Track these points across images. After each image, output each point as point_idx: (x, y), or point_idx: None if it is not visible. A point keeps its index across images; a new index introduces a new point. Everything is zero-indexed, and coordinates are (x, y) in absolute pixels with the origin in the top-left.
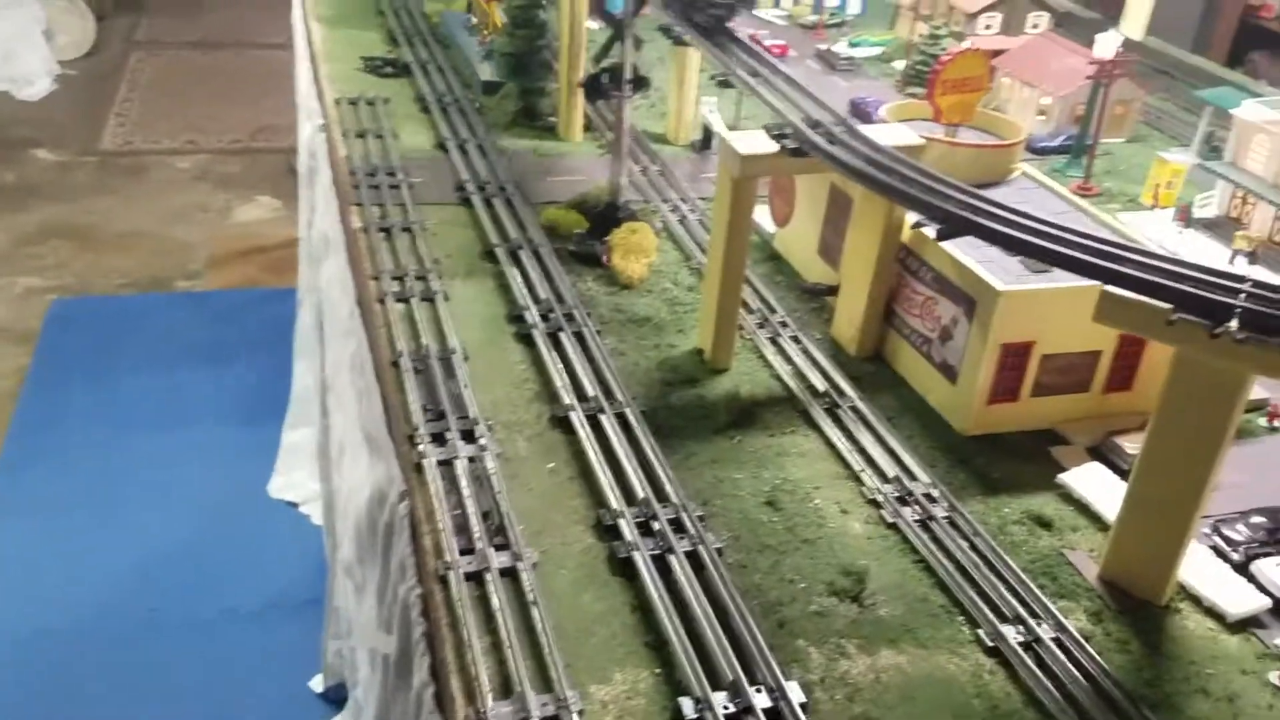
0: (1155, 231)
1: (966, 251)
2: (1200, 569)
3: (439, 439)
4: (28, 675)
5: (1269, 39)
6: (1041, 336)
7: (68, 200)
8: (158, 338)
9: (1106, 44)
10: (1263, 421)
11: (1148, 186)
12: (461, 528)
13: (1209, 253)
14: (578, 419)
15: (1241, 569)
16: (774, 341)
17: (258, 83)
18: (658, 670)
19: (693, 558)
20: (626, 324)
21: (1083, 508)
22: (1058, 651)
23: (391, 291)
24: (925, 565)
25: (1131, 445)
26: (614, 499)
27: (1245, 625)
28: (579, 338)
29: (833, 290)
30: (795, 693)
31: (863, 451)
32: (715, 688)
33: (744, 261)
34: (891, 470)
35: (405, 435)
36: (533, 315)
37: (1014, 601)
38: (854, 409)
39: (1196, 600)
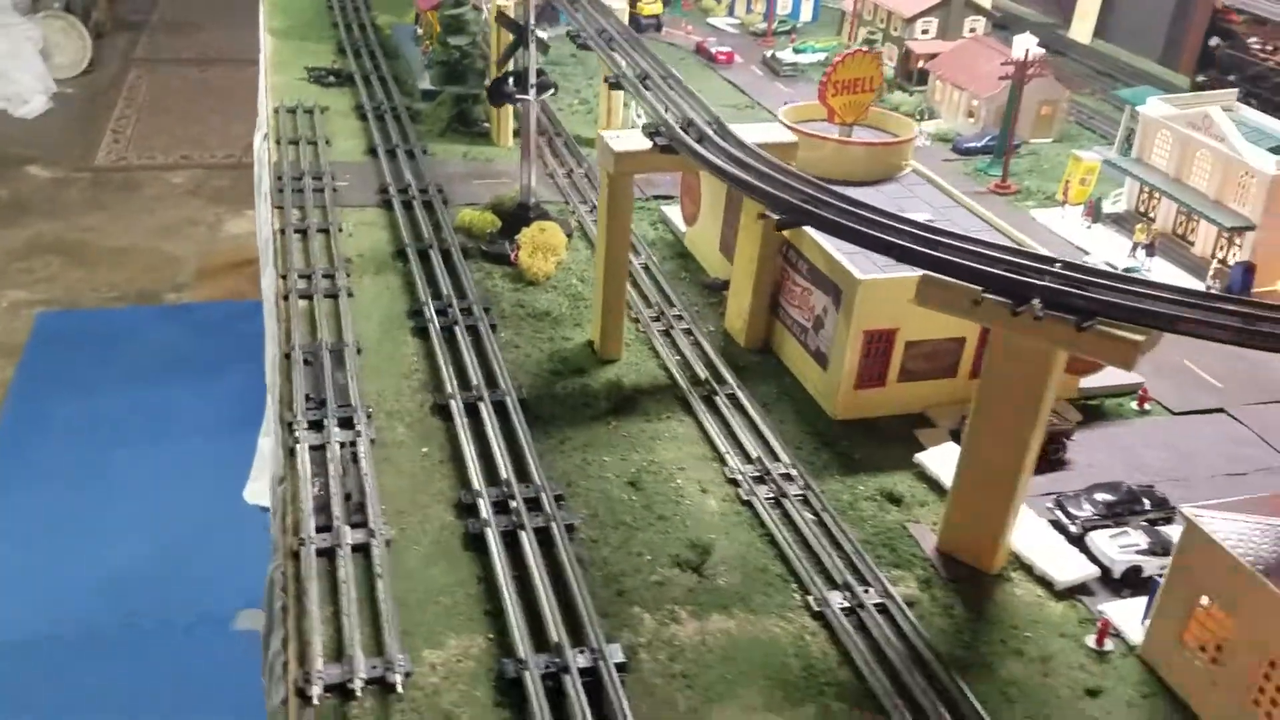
0: (1063, 227)
1: (838, 244)
2: (1035, 540)
3: (316, 426)
4: (10, 678)
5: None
6: (904, 324)
7: (60, 216)
8: (141, 350)
9: (1022, 46)
10: (1134, 405)
11: (1062, 184)
12: (322, 508)
13: (1113, 246)
14: (456, 407)
15: (1079, 541)
16: (667, 334)
17: (253, 98)
18: (491, 636)
19: (543, 534)
20: (526, 318)
21: (935, 485)
22: (878, 616)
23: (296, 289)
24: (770, 538)
25: None
26: (477, 480)
27: (1073, 593)
28: (473, 331)
29: (728, 285)
30: (615, 654)
31: (732, 435)
32: (541, 651)
33: (626, 255)
34: (756, 452)
35: (286, 423)
36: (430, 311)
37: (846, 571)
38: (731, 396)
39: (1029, 569)
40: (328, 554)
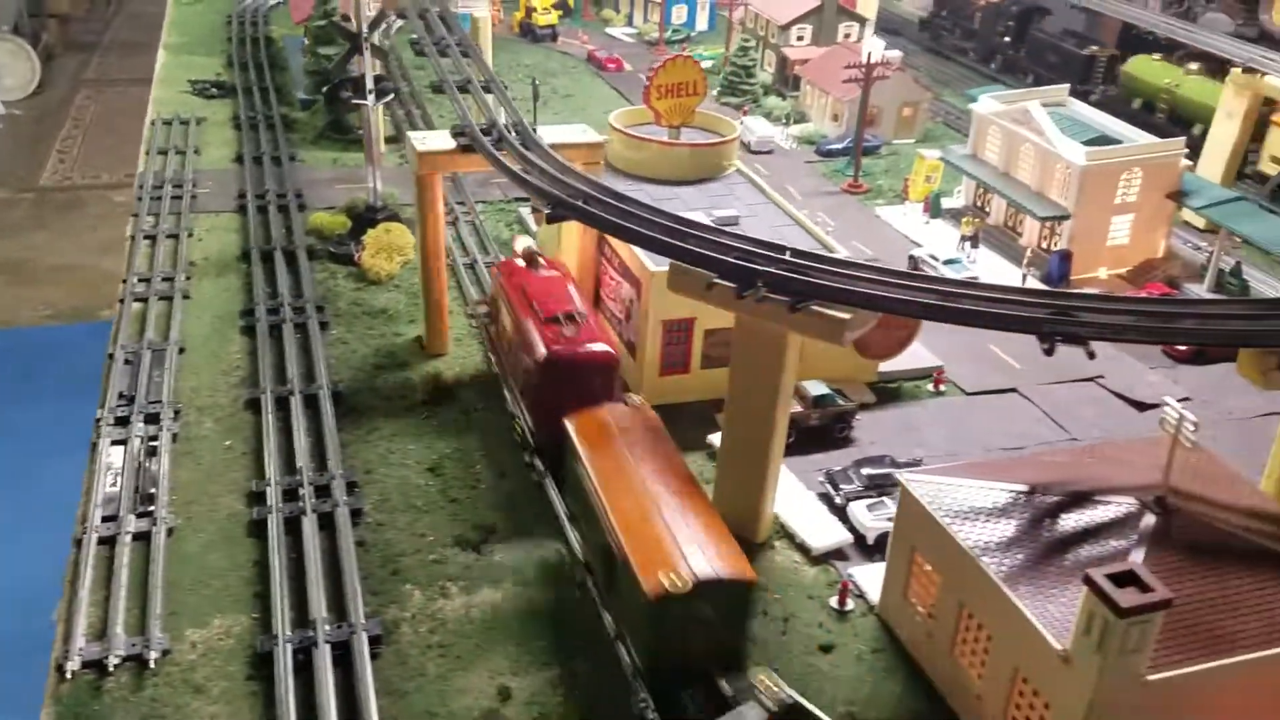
0: (904, 223)
1: None
2: (800, 511)
3: (123, 422)
4: None
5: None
6: (702, 313)
7: (3, 236)
8: (68, 367)
9: (875, 47)
10: (930, 387)
11: (905, 181)
12: (112, 499)
13: (946, 239)
14: (266, 401)
15: (842, 511)
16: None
17: None
18: (256, 615)
19: (328, 519)
20: (361, 316)
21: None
22: None
23: (132, 293)
24: (552, 516)
25: None
26: (271, 470)
27: (829, 558)
28: (302, 329)
29: None
30: (373, 629)
31: None
32: (300, 627)
33: (441, 251)
34: None
35: (95, 420)
36: (260, 310)
37: None
38: None
39: (792, 538)
40: (109, 542)
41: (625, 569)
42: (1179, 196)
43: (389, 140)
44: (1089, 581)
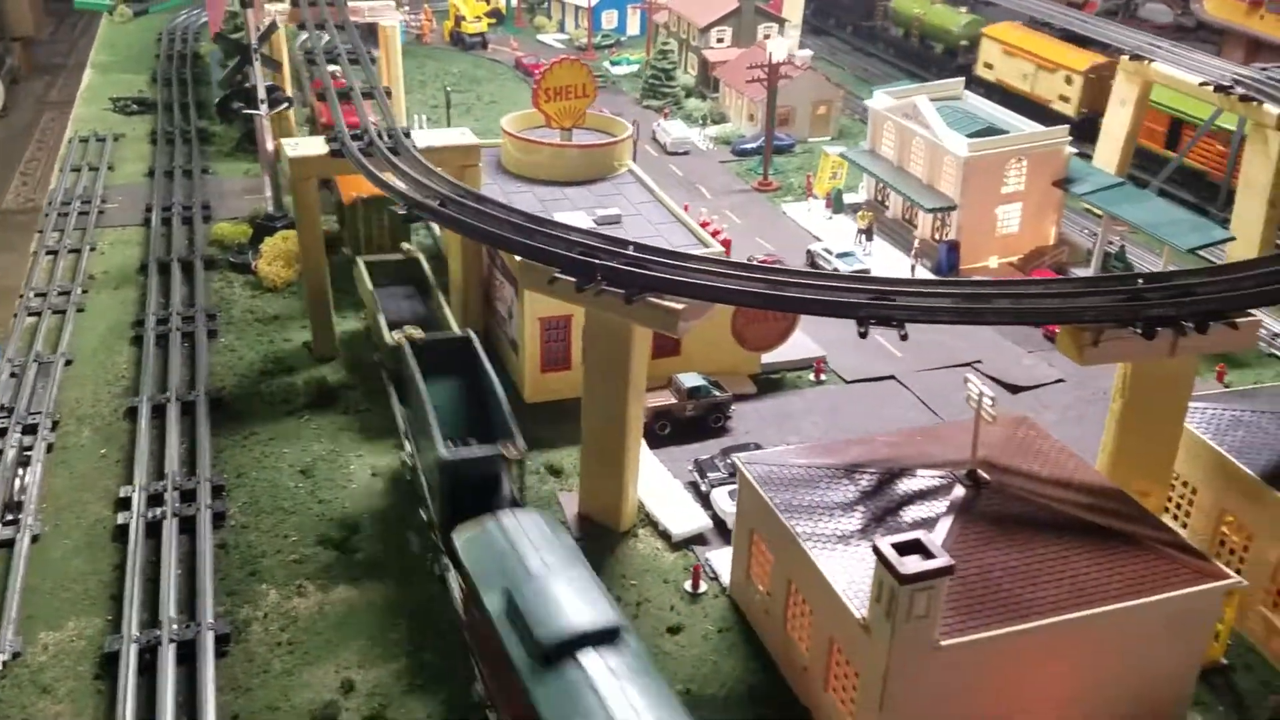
0: (807, 218)
1: None
2: (664, 499)
3: (0, 433)
4: None
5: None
6: (579, 310)
7: None
8: None
9: (779, 47)
10: (811, 377)
11: (808, 178)
12: None
13: (846, 233)
14: (142, 409)
15: (706, 498)
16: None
17: None
18: (109, 618)
19: (189, 522)
20: (254, 323)
21: None
22: None
23: (27, 307)
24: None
25: (649, 400)
26: (141, 476)
27: (690, 544)
28: (190, 338)
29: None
30: (220, 627)
31: None
32: (150, 628)
33: (321, 255)
34: None
35: None
36: (150, 321)
37: None
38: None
39: (655, 525)
40: None
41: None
42: (1065, 184)
43: None
44: (876, 551)
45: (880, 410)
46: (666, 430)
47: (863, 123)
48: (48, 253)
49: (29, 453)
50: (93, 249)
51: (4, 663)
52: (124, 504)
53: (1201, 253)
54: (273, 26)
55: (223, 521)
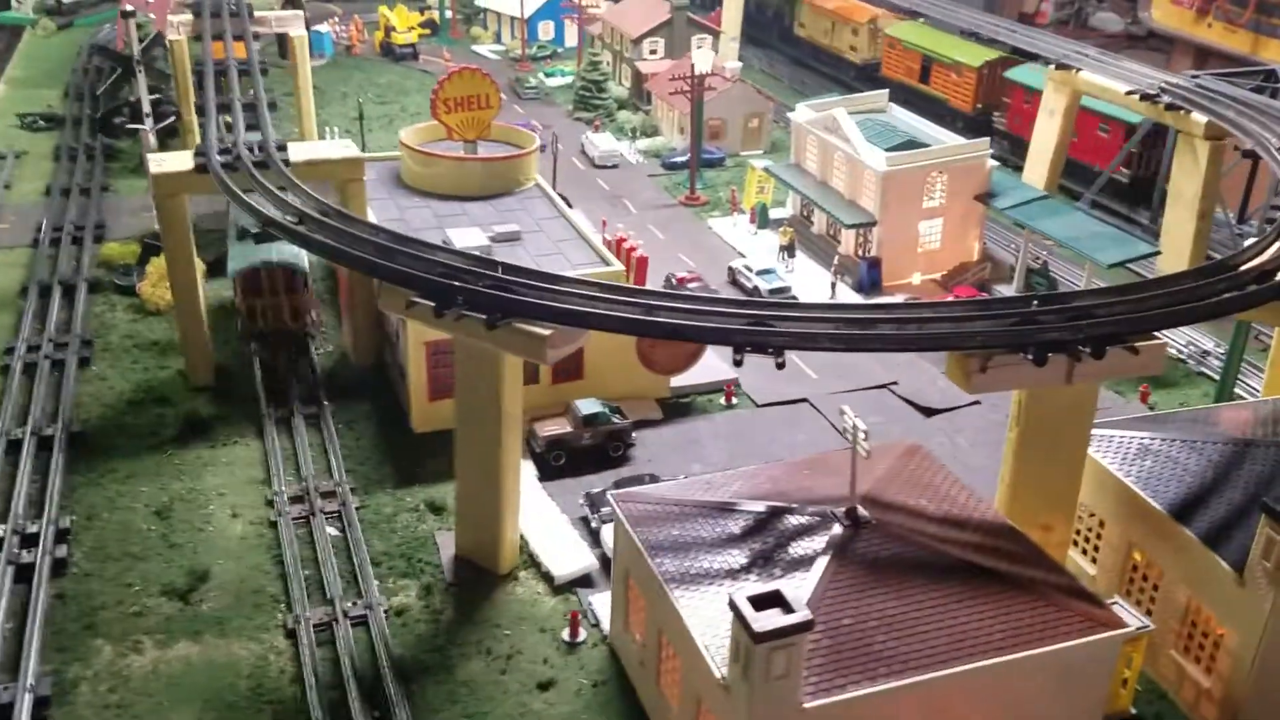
0: (733, 234)
1: None
2: (548, 537)
3: None
4: None
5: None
6: None
7: None
8: None
9: (702, 59)
10: (721, 400)
11: (732, 193)
12: None
13: (770, 249)
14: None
15: (596, 535)
16: (276, 359)
17: None
18: None
19: (28, 570)
20: (131, 349)
21: None
22: (353, 630)
23: None
24: (279, 558)
25: (543, 428)
26: None
27: (574, 586)
28: (59, 366)
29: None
30: (42, 688)
31: (294, 456)
32: None
33: (192, 279)
34: (309, 472)
35: None
36: (20, 348)
37: (344, 586)
38: (312, 417)
39: (539, 565)
40: None
41: None
42: (987, 198)
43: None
44: (732, 605)
45: (789, 435)
46: (561, 461)
47: None
48: None
49: None
50: None
51: None
52: None
53: (1133, 266)
54: (157, 38)
55: (64, 569)
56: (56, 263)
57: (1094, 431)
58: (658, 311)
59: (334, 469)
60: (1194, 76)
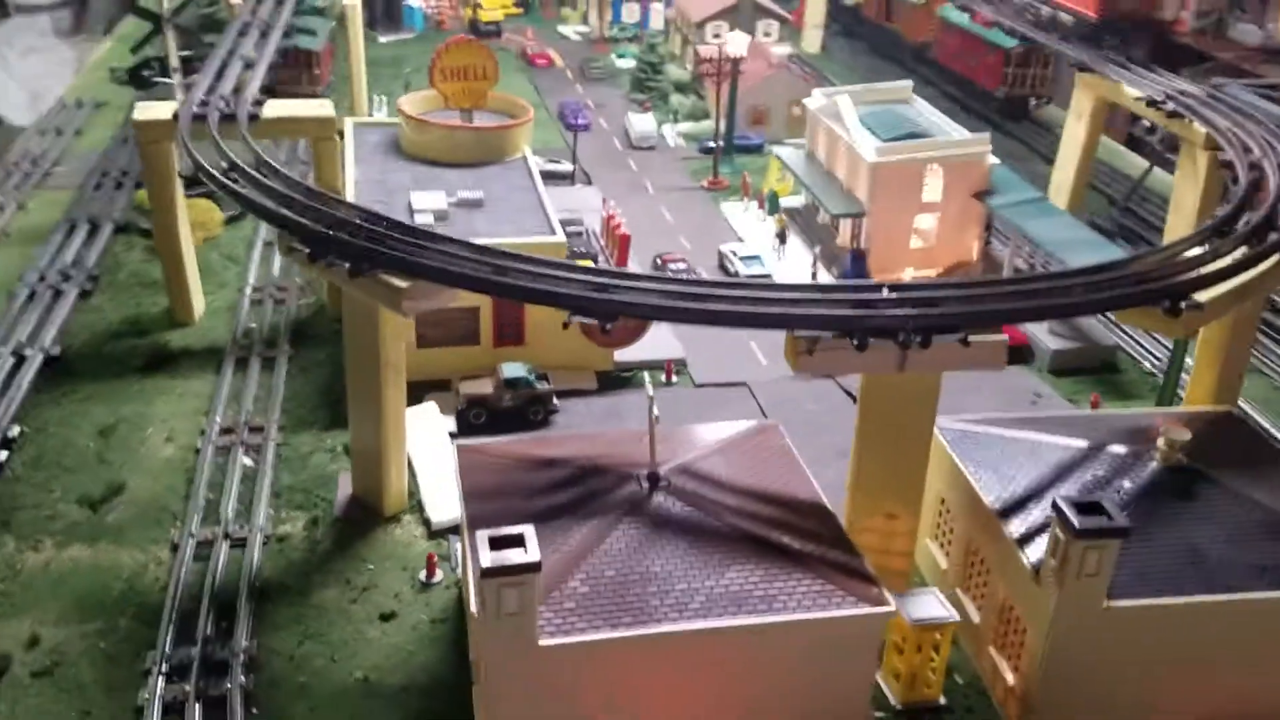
0: (742, 218)
1: None
2: (438, 487)
3: None
4: None
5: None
6: None
7: None
8: None
9: (736, 42)
10: (663, 377)
11: (743, 180)
12: None
13: (770, 235)
14: None
15: None
16: (259, 303)
17: None
18: None
19: None
20: (134, 286)
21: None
22: (229, 551)
23: None
24: (191, 479)
25: (465, 387)
26: None
27: (450, 532)
28: (59, 295)
29: None
30: None
31: (238, 395)
32: None
33: (176, 219)
34: (250, 408)
35: None
36: (31, 278)
37: (238, 512)
38: (268, 359)
39: (422, 512)
40: None
41: None
42: (986, 195)
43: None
44: (472, 546)
45: (714, 416)
46: (482, 420)
47: None
48: None
49: None
50: (20, 208)
51: None
52: None
53: None
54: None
55: (0, 472)
56: (98, 204)
57: (960, 427)
58: (509, 274)
59: (271, 408)
60: (1216, 86)
